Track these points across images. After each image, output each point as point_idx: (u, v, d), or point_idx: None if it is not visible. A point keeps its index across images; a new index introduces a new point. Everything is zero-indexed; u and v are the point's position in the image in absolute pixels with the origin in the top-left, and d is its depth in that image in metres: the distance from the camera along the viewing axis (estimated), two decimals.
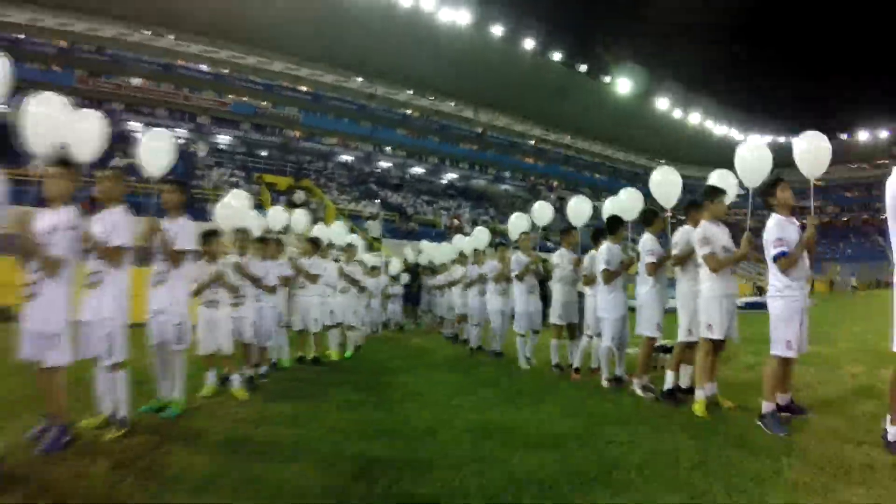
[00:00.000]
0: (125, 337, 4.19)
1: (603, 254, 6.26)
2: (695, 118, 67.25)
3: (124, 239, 4.19)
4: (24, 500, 2.81)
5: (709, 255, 4.91)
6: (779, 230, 4.40)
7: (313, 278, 7.97)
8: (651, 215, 5.97)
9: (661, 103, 64.24)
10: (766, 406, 4.33)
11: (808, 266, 4.54)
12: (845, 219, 72.62)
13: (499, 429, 4.38)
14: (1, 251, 4.66)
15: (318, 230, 10.05)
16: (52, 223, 3.80)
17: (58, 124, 4.56)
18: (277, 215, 7.46)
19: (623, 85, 60.81)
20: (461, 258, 11.38)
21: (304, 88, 49.71)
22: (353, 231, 14.06)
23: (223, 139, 44.79)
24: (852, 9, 64.01)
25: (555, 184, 64.98)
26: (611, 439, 4.01)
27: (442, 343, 11.47)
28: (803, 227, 4.49)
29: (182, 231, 4.85)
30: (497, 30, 50.82)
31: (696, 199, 5.45)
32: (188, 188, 5.14)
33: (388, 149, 52.97)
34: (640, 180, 71.01)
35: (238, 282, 6.03)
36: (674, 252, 5.46)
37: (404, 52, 48.11)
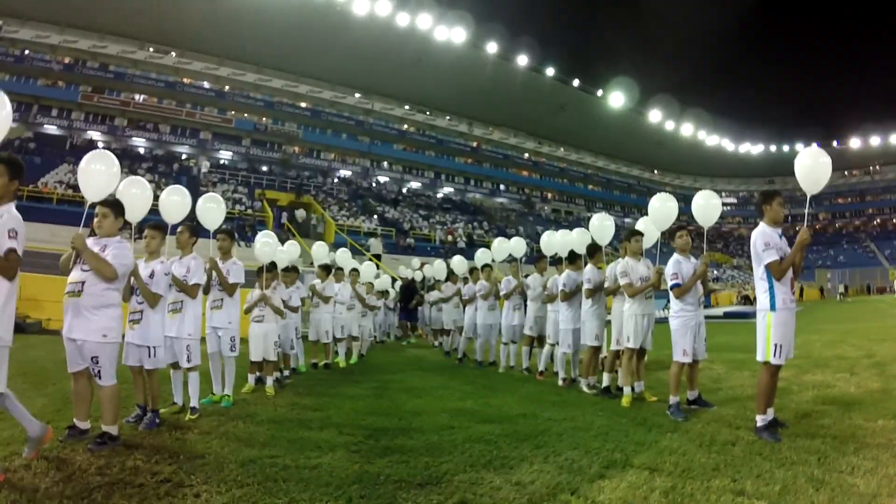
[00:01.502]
0: (199, 348, 5.70)
1: (562, 278, 7.89)
2: (687, 129, 68.52)
3: (198, 278, 5.71)
4: (144, 458, 4.24)
5: (627, 285, 6.47)
6: (675, 267, 5.84)
7: (326, 299, 9.74)
8: (593, 249, 7.56)
9: (654, 115, 65.56)
10: (672, 399, 5.65)
11: (700, 291, 5.99)
12: (837, 225, 74.17)
13: (469, 411, 6.00)
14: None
15: (324, 254, 11.67)
16: (150, 270, 5.21)
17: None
18: (292, 248, 9.16)
19: (616, 98, 62.14)
20: (453, 276, 12.93)
21: (303, 104, 50.99)
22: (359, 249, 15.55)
23: (225, 155, 45.96)
24: (842, 18, 65.69)
25: (549, 196, 66.40)
26: (548, 418, 5.58)
27: (435, 353, 13.10)
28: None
29: (233, 269, 6.40)
30: (491, 47, 52.25)
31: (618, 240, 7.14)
32: (235, 236, 6.47)
33: (386, 163, 54.28)
34: (633, 191, 72.13)
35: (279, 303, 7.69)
36: (606, 284, 7.08)
37: (401, 68, 49.53)
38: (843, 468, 3.81)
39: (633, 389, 6.45)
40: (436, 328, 14.24)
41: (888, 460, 3.93)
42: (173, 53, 45.82)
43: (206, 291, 6.26)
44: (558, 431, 5.03)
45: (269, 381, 7.26)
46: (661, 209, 6.63)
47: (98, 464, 3.94)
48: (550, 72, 57.66)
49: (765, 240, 4.79)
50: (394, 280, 17.27)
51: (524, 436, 4.87)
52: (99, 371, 4.37)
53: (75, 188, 28.25)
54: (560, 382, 7.77)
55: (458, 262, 13.35)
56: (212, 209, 6.57)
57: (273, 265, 7.90)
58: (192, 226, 6.08)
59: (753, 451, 4.29)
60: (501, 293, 9.70)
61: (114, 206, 4.65)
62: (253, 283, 7.82)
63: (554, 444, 4.59)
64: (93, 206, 4.64)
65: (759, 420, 4.76)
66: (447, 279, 13.61)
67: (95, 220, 4.60)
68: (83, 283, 4.34)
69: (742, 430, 4.87)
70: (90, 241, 4.45)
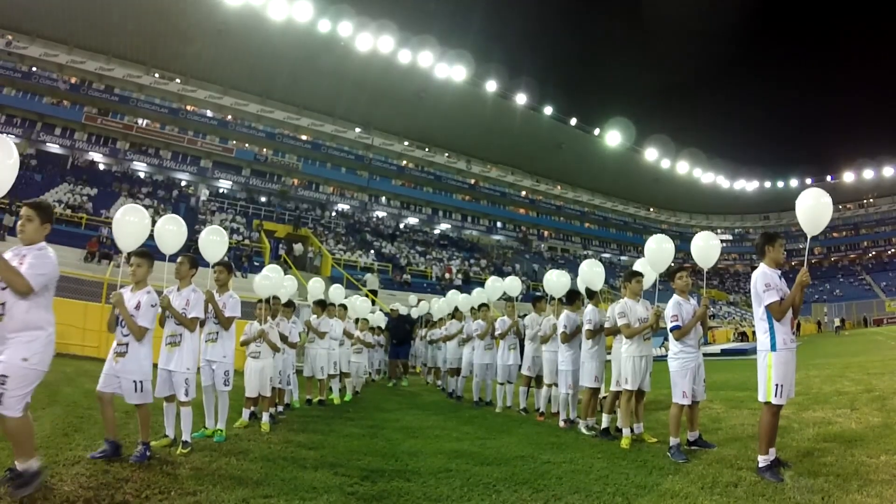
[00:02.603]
0: (195, 381, 5.63)
1: (563, 319, 7.81)
2: (683, 167, 69.28)
3: (198, 312, 5.64)
4: (134, 493, 4.13)
5: (624, 326, 6.44)
6: (675, 308, 5.81)
7: (322, 334, 9.66)
8: (574, 296, 7.82)
9: (650, 154, 66.38)
10: (672, 440, 5.58)
11: (700, 332, 5.97)
12: (833, 259, 74.38)
13: (466, 452, 5.87)
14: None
15: (320, 290, 11.62)
16: (136, 301, 5.03)
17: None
18: (290, 283, 9.17)
19: (612, 137, 62.99)
20: (457, 314, 12.44)
21: (304, 137, 51.37)
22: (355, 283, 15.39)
23: (224, 184, 46.13)
24: (834, 53, 66.85)
25: (546, 234, 66.64)
26: (547, 460, 5.47)
27: (431, 390, 12.95)
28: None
29: (230, 302, 6.29)
30: (491, 85, 53.06)
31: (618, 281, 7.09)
32: (197, 262, 6.02)
33: (384, 198, 54.55)
34: (629, 229, 72.57)
35: (277, 339, 7.58)
36: (606, 325, 7.02)
37: (401, 104, 50.29)
38: None
39: (632, 431, 6.36)
40: (434, 367, 13.93)
41: (892, 496, 3.89)
42: (178, 80, 46.34)
43: (202, 324, 6.07)
44: (558, 474, 4.94)
45: (266, 416, 7.12)
46: (658, 250, 6.66)
47: (86, 496, 3.84)
48: (548, 110, 58.60)
49: (765, 281, 4.80)
50: (386, 315, 16.97)
51: (523, 479, 4.77)
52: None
53: (74, 208, 28.31)
54: (561, 423, 7.64)
55: (464, 300, 12.69)
56: (215, 242, 6.57)
57: (276, 299, 7.90)
58: (193, 257, 5.97)
59: (756, 492, 4.23)
60: (496, 333, 9.61)
61: (39, 208, 4.15)
62: (249, 314, 7.77)
63: (554, 488, 4.50)
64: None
65: (762, 460, 4.70)
66: (452, 316, 12.89)
67: (19, 223, 4.16)
68: (3, 303, 3.79)
69: (744, 470, 4.80)
70: (9, 253, 3.97)
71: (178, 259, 5.80)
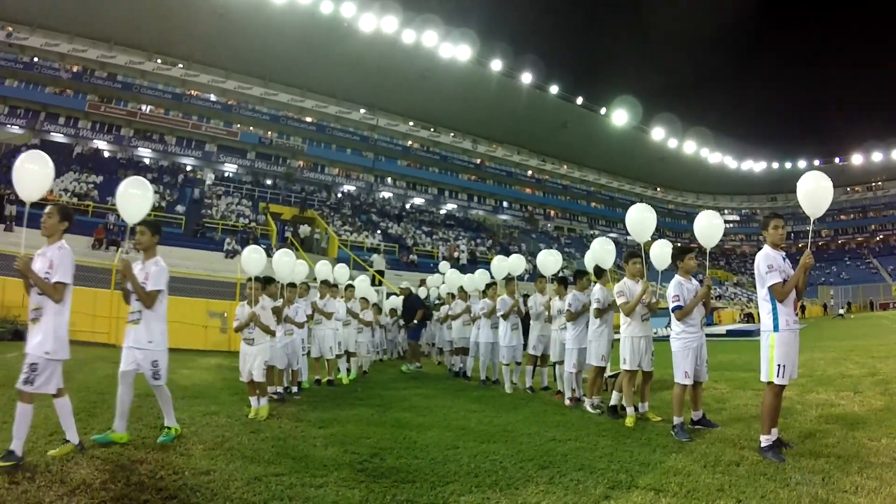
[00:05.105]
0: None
1: (569, 298, 7.86)
2: (690, 147, 68.80)
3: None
4: (149, 473, 4.22)
5: (623, 304, 6.52)
6: (677, 289, 5.85)
7: (328, 315, 9.75)
8: (579, 275, 7.90)
9: (657, 133, 65.97)
10: (676, 419, 5.64)
11: (703, 313, 5.99)
12: (840, 241, 74.10)
13: (473, 430, 5.99)
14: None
15: (327, 272, 11.71)
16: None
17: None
18: (301, 266, 9.31)
19: (619, 116, 62.59)
20: (462, 293, 12.16)
21: (308, 119, 51.38)
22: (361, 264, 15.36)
23: (230, 167, 46.23)
24: (844, 35, 66.07)
25: (552, 213, 66.52)
26: (553, 438, 5.56)
27: (438, 370, 13.07)
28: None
29: (154, 272, 5.12)
30: (496, 64, 52.79)
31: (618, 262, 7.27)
32: (160, 229, 5.45)
33: (390, 179, 54.52)
34: None
35: (270, 321, 7.29)
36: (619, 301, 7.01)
37: (406, 84, 50.03)
38: (848, 488, 3.83)
39: (636, 409, 6.44)
40: (446, 347, 13.32)
41: (892, 479, 3.94)
42: (181, 65, 46.31)
43: (127, 301, 5.18)
44: (563, 452, 5.03)
45: (263, 401, 6.76)
46: (639, 220, 6.95)
47: (102, 478, 3.95)
48: (554, 89, 58.16)
49: (768, 262, 4.84)
50: (389, 295, 16.83)
51: (529, 456, 4.86)
52: None
53: (80, 196, 28.47)
54: (566, 402, 7.73)
55: (474, 278, 12.52)
56: (135, 196, 5.43)
57: (269, 280, 7.74)
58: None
59: (758, 471, 4.29)
60: (499, 313, 9.55)
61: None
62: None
63: (559, 465, 4.59)
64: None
65: (764, 440, 4.77)
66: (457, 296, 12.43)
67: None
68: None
69: (746, 450, 4.88)
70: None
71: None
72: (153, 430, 5.47)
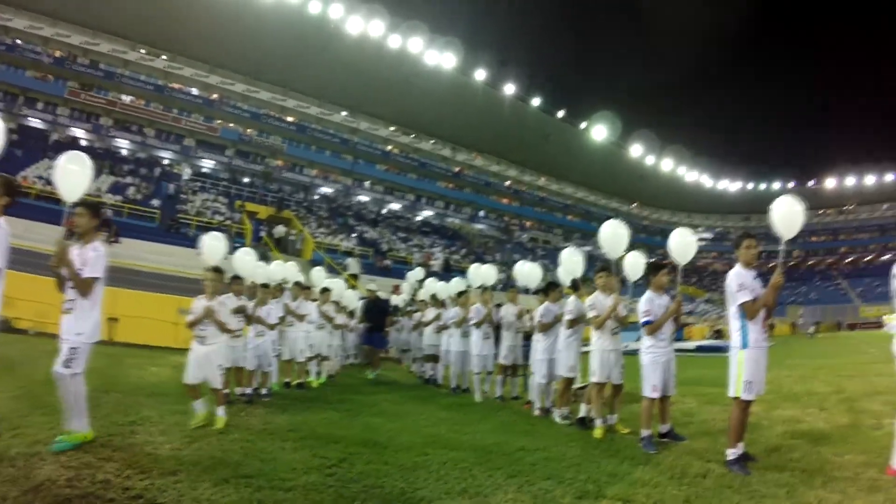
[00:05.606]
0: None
1: (540, 310, 7.94)
2: (667, 165, 69.54)
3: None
4: (116, 472, 4.17)
5: (594, 318, 6.64)
6: (647, 304, 5.96)
7: (300, 317, 9.70)
8: (551, 287, 8.01)
9: (635, 150, 66.57)
10: (644, 432, 5.76)
11: (673, 328, 6.10)
12: (810, 262, 74.99)
13: (442, 437, 6.01)
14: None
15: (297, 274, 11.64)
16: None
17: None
18: (280, 268, 9.23)
19: (598, 131, 63.02)
20: (434, 301, 12.13)
21: (289, 119, 50.84)
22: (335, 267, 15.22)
23: (207, 163, 45.51)
24: (820, 61, 67.36)
25: (528, 224, 66.82)
26: (521, 447, 5.60)
27: (409, 377, 13.07)
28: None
29: (91, 257, 4.71)
30: (480, 74, 52.95)
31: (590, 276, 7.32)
32: (100, 211, 5.16)
33: (367, 183, 54.12)
34: None
35: (228, 318, 6.76)
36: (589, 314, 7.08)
37: (389, 89, 49.76)
38: (811, 501, 3.95)
39: (605, 421, 6.51)
40: (416, 354, 13.27)
41: (855, 493, 4.07)
42: (164, 57, 45.40)
43: (61, 288, 4.76)
44: (531, 461, 5.07)
45: (221, 410, 6.09)
46: (613, 235, 6.99)
47: (67, 475, 3.88)
48: (536, 102, 58.47)
49: (739, 281, 4.97)
50: (362, 299, 16.69)
51: (498, 464, 4.89)
52: None
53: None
54: (535, 412, 7.79)
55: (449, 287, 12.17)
56: (73, 172, 4.90)
57: (236, 277, 7.48)
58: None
59: (724, 483, 4.39)
60: (471, 322, 9.59)
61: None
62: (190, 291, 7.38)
63: (527, 474, 4.63)
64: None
65: (730, 453, 4.88)
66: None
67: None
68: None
69: (713, 463, 4.97)
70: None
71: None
72: (120, 427, 5.39)
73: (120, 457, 4.47)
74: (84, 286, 4.63)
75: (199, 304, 6.23)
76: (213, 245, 7.01)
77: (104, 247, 4.84)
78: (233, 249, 8.02)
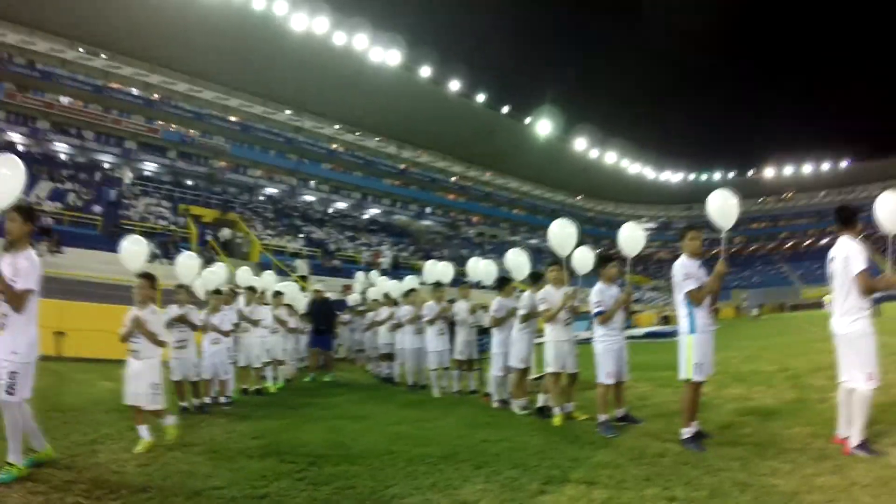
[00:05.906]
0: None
1: (494, 304, 8.10)
2: (610, 157, 70.90)
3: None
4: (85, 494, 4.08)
5: (545, 310, 6.86)
6: (598, 295, 6.20)
7: (255, 322, 9.65)
8: (504, 282, 8.20)
9: (579, 143, 67.54)
10: (601, 417, 6.01)
11: (623, 317, 6.38)
12: (752, 248, 77.81)
13: (406, 435, 6.11)
14: None
15: (250, 278, 11.52)
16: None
17: None
18: (220, 271, 9.15)
19: (543, 126, 63.77)
20: (387, 299, 12.07)
21: (233, 118, 49.77)
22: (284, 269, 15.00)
23: (149, 166, 44.07)
24: (759, 54, 69.98)
25: (475, 219, 67.20)
26: (484, 439, 5.77)
27: (366, 377, 13.07)
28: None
29: (23, 267, 4.28)
30: (425, 71, 52.91)
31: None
32: (34, 215, 4.64)
33: (313, 183, 53.47)
34: (557, 216, 75.04)
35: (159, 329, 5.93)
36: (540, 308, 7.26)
37: (334, 87, 49.14)
38: (765, 471, 4.21)
39: (562, 409, 6.72)
40: (371, 354, 13.18)
41: (805, 462, 4.35)
42: (104, 56, 43.54)
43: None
44: (496, 452, 5.22)
45: (170, 419, 5.76)
46: (560, 234, 7.17)
47: (36, 501, 3.82)
48: (481, 98, 58.79)
49: (684, 271, 5.24)
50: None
51: (464, 457, 5.01)
52: None
53: None
54: (494, 404, 7.97)
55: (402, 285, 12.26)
56: (4, 177, 4.48)
57: (148, 276, 6.07)
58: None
59: (681, 460, 4.64)
60: (425, 318, 9.70)
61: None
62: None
63: (493, 464, 4.77)
64: None
65: (685, 432, 5.15)
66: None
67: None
68: None
69: (670, 442, 5.21)
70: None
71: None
72: (81, 447, 5.30)
73: (86, 478, 4.38)
74: (17, 300, 4.18)
75: (129, 314, 5.70)
76: (132, 249, 6.51)
77: (38, 256, 4.49)
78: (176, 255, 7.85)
